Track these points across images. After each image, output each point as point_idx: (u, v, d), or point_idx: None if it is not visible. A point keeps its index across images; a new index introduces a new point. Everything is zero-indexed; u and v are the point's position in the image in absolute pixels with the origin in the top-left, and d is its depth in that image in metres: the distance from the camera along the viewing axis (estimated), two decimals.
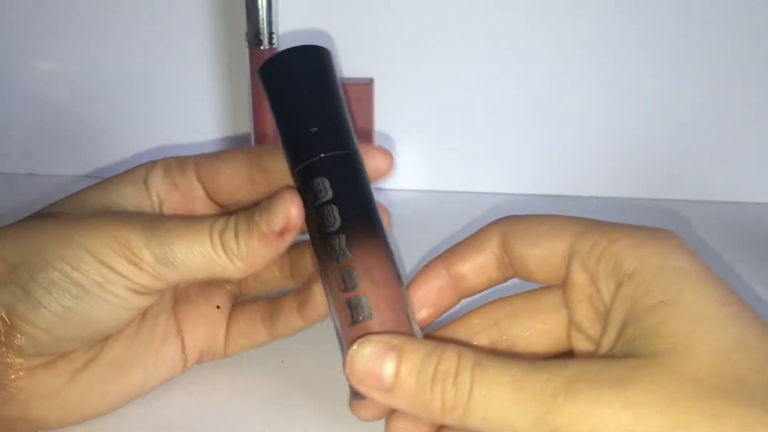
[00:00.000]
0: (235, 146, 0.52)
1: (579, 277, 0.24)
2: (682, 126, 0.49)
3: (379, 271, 0.25)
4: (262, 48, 0.44)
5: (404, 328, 0.25)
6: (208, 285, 0.31)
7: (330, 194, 0.25)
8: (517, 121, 0.50)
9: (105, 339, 0.27)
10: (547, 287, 0.27)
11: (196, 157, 0.30)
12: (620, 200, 0.51)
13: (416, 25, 0.48)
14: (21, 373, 0.25)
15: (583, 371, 0.20)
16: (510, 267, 0.27)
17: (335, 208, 0.25)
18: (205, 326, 0.31)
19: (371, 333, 0.24)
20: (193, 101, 0.50)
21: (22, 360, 0.25)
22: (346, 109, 0.27)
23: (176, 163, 0.30)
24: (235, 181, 0.29)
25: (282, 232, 0.25)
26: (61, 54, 0.50)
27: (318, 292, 0.29)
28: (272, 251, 0.26)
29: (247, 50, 0.44)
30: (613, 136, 0.50)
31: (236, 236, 0.25)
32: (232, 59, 0.49)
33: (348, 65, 0.48)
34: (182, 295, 0.31)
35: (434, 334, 0.28)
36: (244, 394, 0.30)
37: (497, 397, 0.21)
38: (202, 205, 0.30)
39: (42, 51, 0.50)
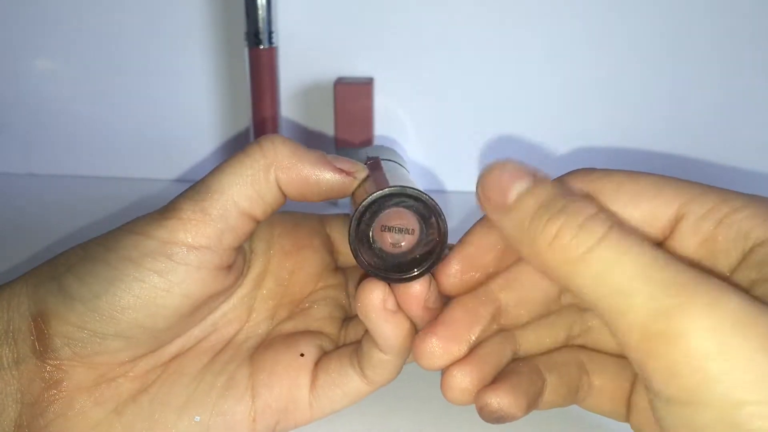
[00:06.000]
0: (233, 146, 0.52)
1: (687, 240, 0.22)
2: (692, 126, 0.49)
3: None
4: (261, 47, 0.44)
5: None
6: (295, 332, 0.28)
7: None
8: (518, 121, 0.50)
9: (163, 365, 0.25)
10: None
11: None
12: None
13: (416, 25, 0.47)
14: (63, 392, 0.23)
15: (732, 295, 0.17)
16: None
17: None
18: (283, 376, 0.26)
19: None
20: (193, 100, 0.50)
21: (61, 374, 0.23)
22: None
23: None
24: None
25: None
26: (61, 54, 0.50)
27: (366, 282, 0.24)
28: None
29: (246, 50, 0.44)
30: (616, 136, 0.50)
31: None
32: (232, 58, 0.49)
33: (348, 65, 0.48)
34: (266, 343, 0.27)
35: None
36: None
37: (629, 263, 0.18)
38: None
39: (42, 51, 0.50)
